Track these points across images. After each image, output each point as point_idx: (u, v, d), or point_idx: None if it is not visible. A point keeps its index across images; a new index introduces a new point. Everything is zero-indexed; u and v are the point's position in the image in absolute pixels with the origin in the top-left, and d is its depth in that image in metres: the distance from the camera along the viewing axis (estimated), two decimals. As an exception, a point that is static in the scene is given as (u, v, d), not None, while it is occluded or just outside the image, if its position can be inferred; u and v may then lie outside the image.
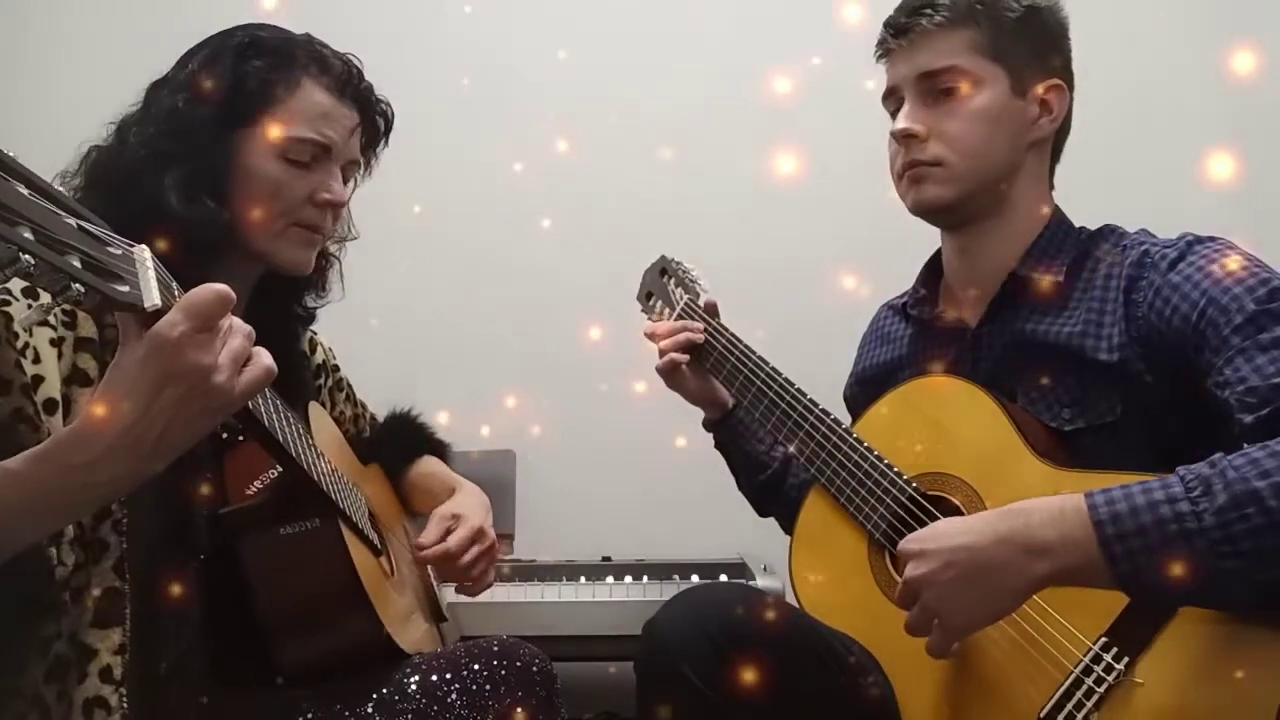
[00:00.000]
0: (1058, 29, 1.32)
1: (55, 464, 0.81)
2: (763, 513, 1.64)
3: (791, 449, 1.36)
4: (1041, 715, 1.02)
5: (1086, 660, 1.01)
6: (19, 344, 0.95)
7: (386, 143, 1.33)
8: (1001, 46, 1.26)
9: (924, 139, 1.27)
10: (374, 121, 1.28)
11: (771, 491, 1.59)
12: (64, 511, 0.87)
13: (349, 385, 1.50)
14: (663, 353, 1.52)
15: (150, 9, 2.39)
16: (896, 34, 1.30)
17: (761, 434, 1.57)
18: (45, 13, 2.44)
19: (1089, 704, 0.99)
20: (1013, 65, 1.26)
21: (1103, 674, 1.00)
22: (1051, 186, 1.35)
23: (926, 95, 1.28)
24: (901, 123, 1.29)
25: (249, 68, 1.15)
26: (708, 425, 1.61)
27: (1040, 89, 1.28)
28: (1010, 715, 1.05)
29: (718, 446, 1.62)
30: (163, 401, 0.79)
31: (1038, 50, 1.28)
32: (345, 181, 1.25)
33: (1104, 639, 1.01)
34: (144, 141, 1.12)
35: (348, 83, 1.21)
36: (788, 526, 1.60)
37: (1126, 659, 0.99)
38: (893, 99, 1.34)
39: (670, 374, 1.53)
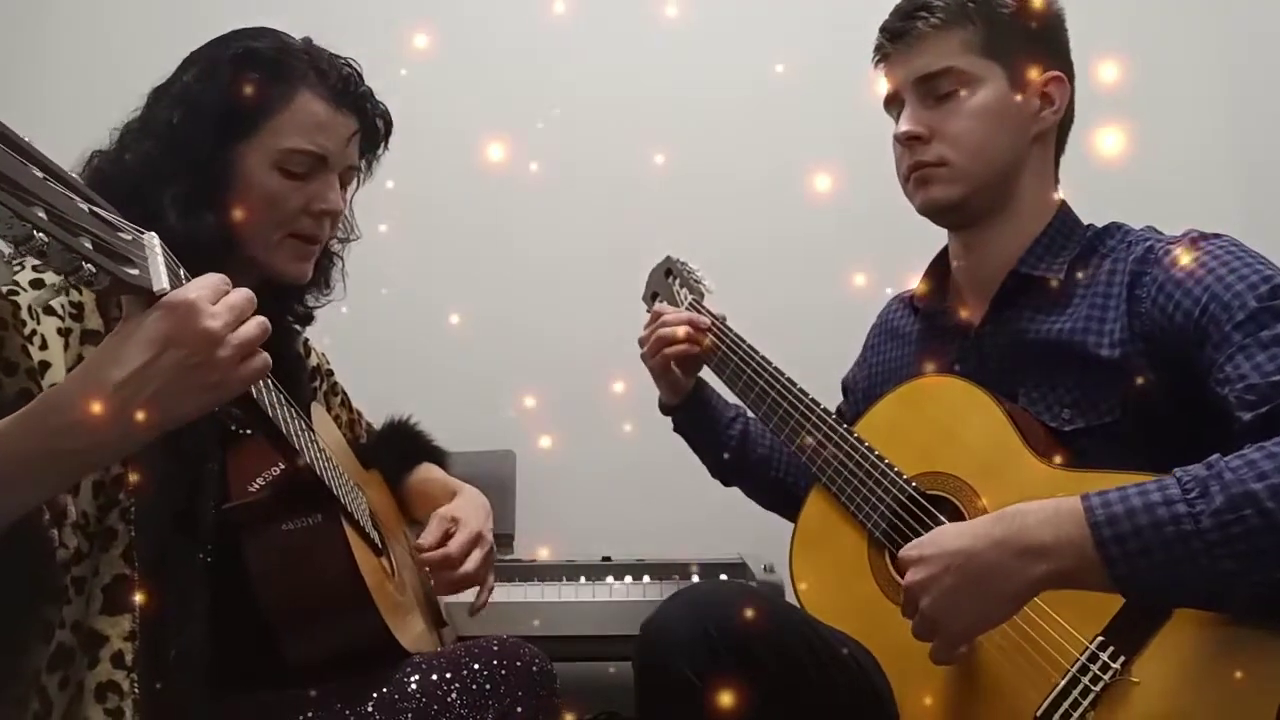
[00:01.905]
0: (1052, 20, 1.32)
1: (37, 424, 0.81)
2: (726, 484, 1.65)
3: (793, 448, 1.37)
4: (1038, 714, 1.02)
5: (1083, 659, 1.01)
6: (26, 330, 0.96)
7: (387, 146, 1.33)
8: (997, 43, 1.26)
9: (927, 140, 1.28)
10: (373, 125, 1.28)
11: (734, 468, 1.61)
12: (47, 477, 0.85)
13: (343, 390, 1.51)
14: (663, 340, 1.52)
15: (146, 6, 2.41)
16: (892, 39, 1.31)
17: (721, 420, 1.60)
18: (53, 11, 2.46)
19: (1085, 703, 1.00)
20: (1010, 61, 1.27)
21: (1099, 673, 1.00)
22: (1057, 180, 1.35)
23: (927, 97, 1.28)
24: (904, 125, 1.30)
25: (244, 80, 1.14)
26: (665, 409, 1.61)
27: (1040, 81, 1.28)
28: (1007, 714, 1.05)
29: (677, 429, 1.62)
30: (162, 363, 0.80)
31: (1034, 43, 1.28)
32: (344, 186, 1.26)
33: (1100, 638, 1.01)
34: (142, 156, 1.13)
35: (345, 90, 1.21)
36: (752, 494, 1.64)
37: (1123, 658, 1.00)
38: (894, 104, 1.34)
39: (655, 355, 1.53)
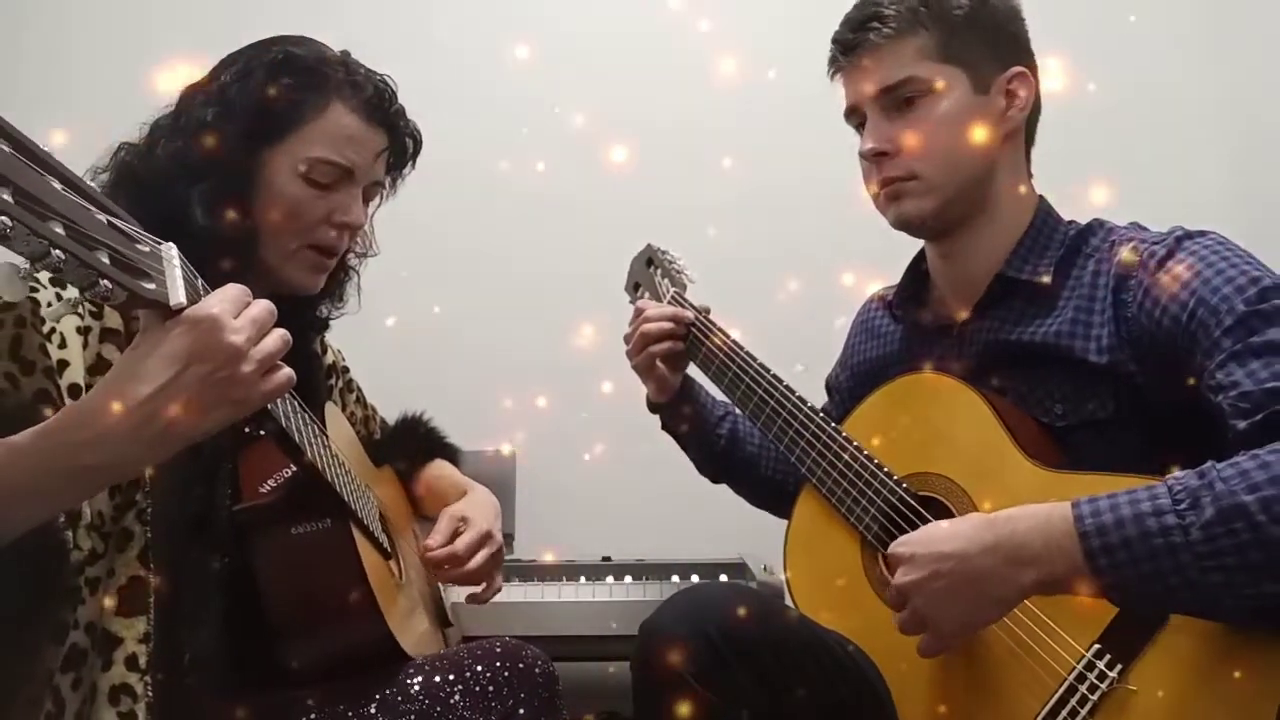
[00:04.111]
0: (1008, 15, 1.28)
1: (58, 440, 0.81)
2: (715, 481, 1.64)
3: (781, 447, 1.35)
4: (1036, 722, 1.03)
5: (1080, 667, 1.02)
6: (45, 329, 0.96)
7: (414, 165, 1.33)
8: (954, 47, 1.23)
9: (893, 155, 1.24)
10: (402, 144, 1.29)
11: (723, 466, 1.60)
12: (67, 491, 0.85)
13: (358, 387, 1.52)
14: (646, 337, 1.48)
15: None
16: (845, 51, 1.27)
17: (710, 418, 1.57)
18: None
19: (1083, 711, 1.00)
20: (969, 63, 1.23)
21: (1096, 681, 1.00)
22: (1030, 174, 1.32)
23: (889, 109, 1.25)
24: (868, 142, 1.26)
25: (279, 86, 1.15)
26: (652, 407, 1.58)
27: (1003, 79, 1.25)
28: (1005, 721, 1.06)
29: (664, 427, 1.59)
30: (185, 379, 0.79)
31: (992, 42, 1.25)
32: (367, 201, 1.26)
33: (1097, 646, 1.02)
34: (174, 152, 1.13)
35: (378, 106, 1.21)
36: (742, 492, 1.64)
37: (1120, 666, 1.00)
38: (855, 116, 1.31)
39: (640, 353, 1.50)
